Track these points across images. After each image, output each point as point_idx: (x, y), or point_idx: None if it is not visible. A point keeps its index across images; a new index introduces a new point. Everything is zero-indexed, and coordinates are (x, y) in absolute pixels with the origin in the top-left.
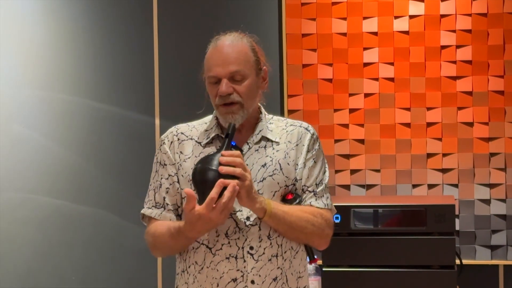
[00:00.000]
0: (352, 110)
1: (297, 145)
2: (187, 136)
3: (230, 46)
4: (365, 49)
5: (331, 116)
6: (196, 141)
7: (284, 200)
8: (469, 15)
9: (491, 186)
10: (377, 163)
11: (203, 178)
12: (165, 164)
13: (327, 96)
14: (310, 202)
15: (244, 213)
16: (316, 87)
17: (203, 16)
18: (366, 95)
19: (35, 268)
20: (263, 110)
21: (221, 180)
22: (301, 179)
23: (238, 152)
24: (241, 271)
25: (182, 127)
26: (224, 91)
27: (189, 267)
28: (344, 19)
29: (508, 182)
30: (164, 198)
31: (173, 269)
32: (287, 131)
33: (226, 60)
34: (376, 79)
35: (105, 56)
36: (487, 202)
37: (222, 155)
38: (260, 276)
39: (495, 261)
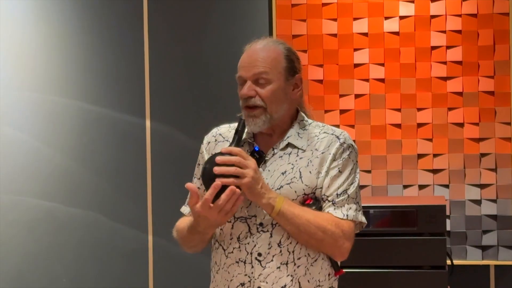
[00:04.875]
0: (342, 111)
1: (323, 153)
2: (224, 138)
3: (260, 50)
4: (355, 50)
5: (322, 117)
6: (230, 143)
7: (304, 205)
8: (459, 15)
9: (481, 186)
10: (368, 164)
11: (205, 177)
12: (199, 164)
13: (318, 97)
14: (328, 211)
15: (258, 219)
16: (307, 88)
17: (193, 18)
18: (357, 96)
19: (26, 270)
20: (304, 116)
21: (216, 183)
22: (322, 188)
23: (237, 149)
24: (249, 276)
25: (223, 128)
26: (245, 93)
27: (212, 266)
28: (335, 20)
29: (499, 183)
30: None
31: (164, 270)
32: (318, 138)
33: (252, 63)
34: (367, 80)
35: (96, 58)
36: (477, 202)
37: (220, 154)
38: (267, 283)
39: (486, 262)
